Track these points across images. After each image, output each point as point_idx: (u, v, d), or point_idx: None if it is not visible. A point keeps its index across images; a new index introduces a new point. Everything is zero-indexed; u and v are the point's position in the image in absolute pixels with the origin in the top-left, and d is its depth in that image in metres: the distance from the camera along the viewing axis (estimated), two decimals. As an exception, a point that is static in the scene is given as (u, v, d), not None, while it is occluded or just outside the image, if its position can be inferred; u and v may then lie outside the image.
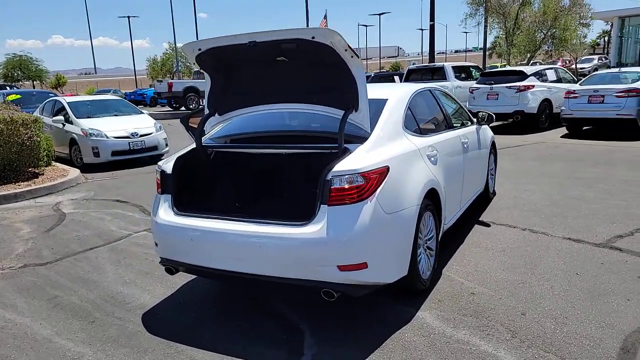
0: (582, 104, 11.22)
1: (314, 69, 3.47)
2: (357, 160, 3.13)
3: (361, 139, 3.41)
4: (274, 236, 3.06)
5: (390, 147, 3.48)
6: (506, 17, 33.16)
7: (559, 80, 13.85)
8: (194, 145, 3.94)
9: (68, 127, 11.09)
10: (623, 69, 13.19)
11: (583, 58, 41.03)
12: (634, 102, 10.63)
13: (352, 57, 3.23)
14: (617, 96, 10.71)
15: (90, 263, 4.91)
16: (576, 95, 11.42)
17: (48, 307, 3.95)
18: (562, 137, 12.09)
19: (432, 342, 3.12)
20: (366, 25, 59.18)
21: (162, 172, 3.66)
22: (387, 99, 3.87)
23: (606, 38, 62.04)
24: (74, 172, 9.69)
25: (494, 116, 5.56)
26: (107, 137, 10.66)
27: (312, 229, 2.99)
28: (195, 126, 5.68)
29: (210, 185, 4.01)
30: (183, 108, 27.96)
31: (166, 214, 3.54)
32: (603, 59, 40.19)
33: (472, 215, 5.68)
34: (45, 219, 6.73)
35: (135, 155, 10.95)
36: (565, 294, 3.69)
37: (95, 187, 8.83)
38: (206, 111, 4.02)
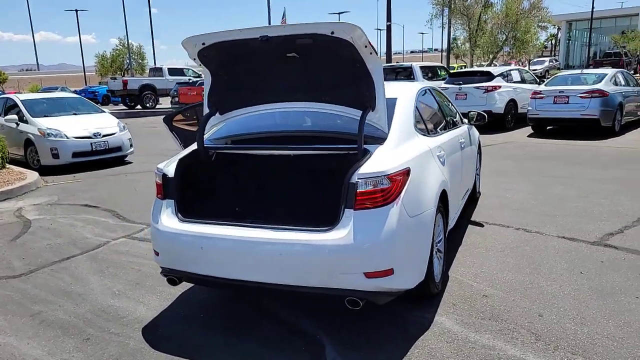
0: (548, 104, 11.55)
1: (328, 66, 3.31)
2: (381, 162, 3.00)
3: (377, 139, 3.28)
4: (297, 243, 2.88)
5: (408, 148, 3.36)
6: (470, 19, 33.99)
7: (523, 80, 14.24)
8: (194, 147, 3.69)
9: (23, 126, 10.41)
10: (585, 71, 13.71)
11: (535, 60, 42.62)
12: (597, 102, 11.03)
13: (370, 53, 3.10)
14: (581, 97, 11.09)
15: (70, 274, 4.55)
16: (542, 95, 11.75)
17: (32, 324, 3.61)
18: (528, 136, 12.41)
19: (459, 349, 3.03)
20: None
21: (164, 176, 3.40)
22: (397, 98, 3.76)
23: (553, 41, 64.77)
24: (32, 175, 9.07)
25: (486, 116, 5.57)
26: (67, 138, 10.07)
27: (338, 235, 2.83)
28: (180, 127, 5.41)
29: (216, 189, 3.78)
30: (139, 107, 27.04)
31: (169, 220, 3.29)
32: (554, 61, 41.89)
33: (463, 215, 5.67)
34: (8, 226, 6.24)
35: (98, 157, 10.40)
36: (575, 293, 3.69)
37: (58, 191, 8.30)
38: (206, 110, 3.78)
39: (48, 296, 4.08)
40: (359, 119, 3.34)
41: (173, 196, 3.36)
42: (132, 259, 4.89)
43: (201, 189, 3.66)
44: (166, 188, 3.38)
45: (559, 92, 11.53)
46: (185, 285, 4.10)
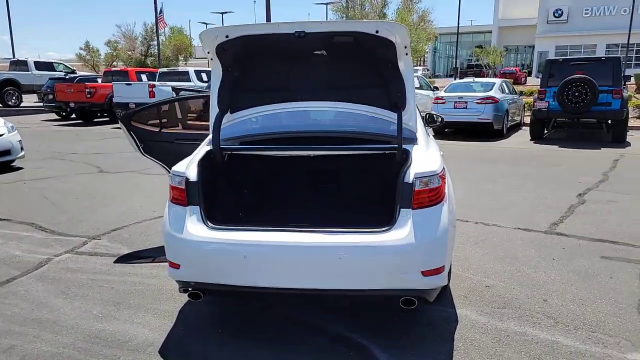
0: (449, 109, 12.53)
1: (357, 65, 3.27)
2: (428, 162, 3.04)
3: (408, 140, 3.32)
4: (357, 245, 2.79)
5: (433, 148, 3.45)
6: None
7: (421, 87, 15.27)
8: (206, 148, 3.39)
9: None
10: (477, 79, 15.12)
11: (410, 68, 45.83)
12: (491, 108, 12.25)
13: (406, 54, 3.13)
14: (477, 103, 12.23)
15: (25, 299, 3.90)
16: (444, 101, 12.74)
17: (14, 360, 3.03)
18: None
19: (496, 338, 3.18)
20: (206, 23, 57.38)
21: (187, 180, 3.07)
22: None
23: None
24: None
25: (443, 119, 5.88)
26: (-56, 141, 8.57)
27: (399, 235, 2.81)
28: (140, 127, 4.95)
29: (237, 193, 3.50)
30: (0, 105, 23.81)
31: (197, 229, 2.98)
32: (426, 69, 45.41)
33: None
34: None
35: (-19, 163, 9.00)
36: (560, 278, 4.07)
37: (-54, 203, 7.02)
38: (215, 109, 3.49)
39: (12, 327, 3.45)
40: (386, 119, 3.35)
41: (197, 202, 3.05)
42: (93, 276, 4.33)
43: (223, 193, 3.37)
44: (190, 193, 3.06)
45: (459, 98, 12.60)
46: (177, 301, 3.76)
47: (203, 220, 3.01)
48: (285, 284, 2.89)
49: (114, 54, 47.12)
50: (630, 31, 31.30)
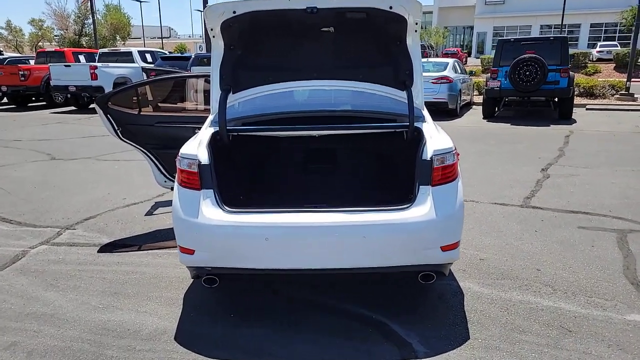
0: (406, 88, 12.69)
1: (368, 42, 3.25)
2: (442, 139, 3.09)
3: (416, 117, 3.35)
4: (380, 224, 2.81)
5: (436, 125, 3.51)
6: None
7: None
8: (211, 129, 3.28)
9: None
10: (430, 59, 15.40)
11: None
12: (445, 87, 12.57)
13: (416, 31, 3.15)
14: (433, 82, 12.49)
15: (12, 294, 3.67)
16: (400, 81, 12.89)
17: (19, 357, 2.85)
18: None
19: (504, 307, 3.32)
20: (140, 1, 54.57)
21: (199, 163, 2.96)
22: None
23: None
24: None
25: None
26: None
27: (420, 212, 2.85)
28: (118, 109, 4.73)
29: (247, 174, 3.40)
30: None
31: (213, 212, 2.90)
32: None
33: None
34: None
35: None
36: (546, 249, 4.29)
37: None
38: (217, 89, 3.37)
39: (7, 323, 3.24)
40: (394, 97, 3.37)
41: (211, 185, 2.96)
42: (79, 267, 4.12)
43: (232, 175, 3.28)
44: (203, 176, 2.96)
45: (415, 77, 12.78)
46: (177, 288, 3.67)
47: (219, 204, 2.92)
48: (308, 264, 2.88)
49: (39, 33, 44.23)
50: (563, 12, 32.87)
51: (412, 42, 3.22)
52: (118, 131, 4.74)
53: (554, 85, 11.55)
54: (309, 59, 3.37)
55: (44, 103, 18.70)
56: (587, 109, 14.44)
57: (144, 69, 5.58)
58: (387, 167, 3.68)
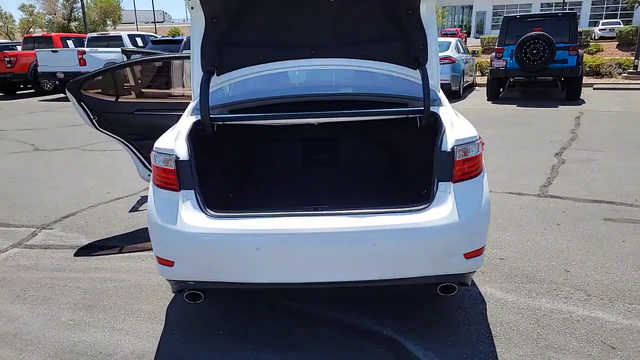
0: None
1: (374, 13, 2.76)
2: (464, 126, 2.63)
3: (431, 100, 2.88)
4: (393, 229, 2.36)
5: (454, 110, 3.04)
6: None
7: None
8: (192, 119, 2.81)
9: None
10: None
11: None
12: (448, 68, 12.03)
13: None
14: (435, 63, 11.93)
15: (-28, 308, 3.23)
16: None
17: (-29, 394, 2.42)
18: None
19: (534, 319, 2.89)
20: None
21: (177, 159, 2.50)
22: None
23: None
24: None
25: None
26: None
27: (440, 214, 2.40)
28: (92, 96, 4.26)
29: (234, 171, 2.94)
30: None
31: (194, 218, 2.44)
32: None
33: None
34: None
35: None
36: (572, 245, 3.85)
37: None
38: (198, 71, 2.89)
39: (-40, 347, 2.81)
40: (405, 77, 2.89)
41: (192, 185, 2.50)
42: (52, 274, 3.69)
43: (217, 173, 2.82)
44: (182, 175, 2.49)
45: (416, 58, 12.23)
46: (161, 299, 3.24)
47: (201, 207, 2.47)
48: (307, 278, 2.44)
49: (30, 19, 43.31)
50: (565, -11, 32.12)
51: (427, 12, 2.75)
52: (94, 120, 4.26)
53: (562, 64, 11.02)
54: (305, 34, 2.88)
55: (33, 91, 18.10)
56: (594, 89, 13.93)
57: (123, 51, 5.01)
58: (398, 160, 3.22)
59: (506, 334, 2.76)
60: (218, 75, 2.94)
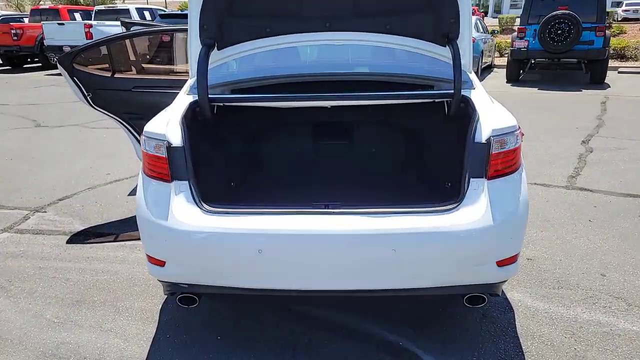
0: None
1: None
2: (501, 113, 2.28)
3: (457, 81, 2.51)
4: (416, 232, 2.03)
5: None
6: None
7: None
8: (188, 99, 2.47)
9: None
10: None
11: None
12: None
13: None
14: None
15: (-49, 300, 2.98)
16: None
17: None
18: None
19: (570, 332, 2.57)
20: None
21: (169, 146, 2.18)
22: None
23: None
24: None
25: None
26: None
27: (472, 215, 2.06)
28: (85, 71, 3.94)
29: (235, 159, 2.62)
30: None
31: (188, 213, 2.13)
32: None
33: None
34: None
35: None
36: (607, 245, 3.51)
37: None
38: (196, 44, 2.54)
39: None
40: (432, 55, 2.53)
41: (186, 176, 2.18)
42: (41, 263, 3.43)
43: (215, 162, 2.50)
44: (174, 164, 2.18)
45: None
46: (155, 295, 2.96)
47: (196, 202, 2.16)
48: (315, 285, 2.13)
49: (40, -9, 42.88)
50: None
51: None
52: (88, 97, 3.94)
53: (588, 46, 10.44)
54: (318, 3, 2.51)
55: (40, 64, 17.80)
56: (619, 72, 13.31)
57: (122, 23, 4.65)
58: (421, 151, 2.86)
59: (539, 349, 2.44)
60: (219, 49, 2.59)
